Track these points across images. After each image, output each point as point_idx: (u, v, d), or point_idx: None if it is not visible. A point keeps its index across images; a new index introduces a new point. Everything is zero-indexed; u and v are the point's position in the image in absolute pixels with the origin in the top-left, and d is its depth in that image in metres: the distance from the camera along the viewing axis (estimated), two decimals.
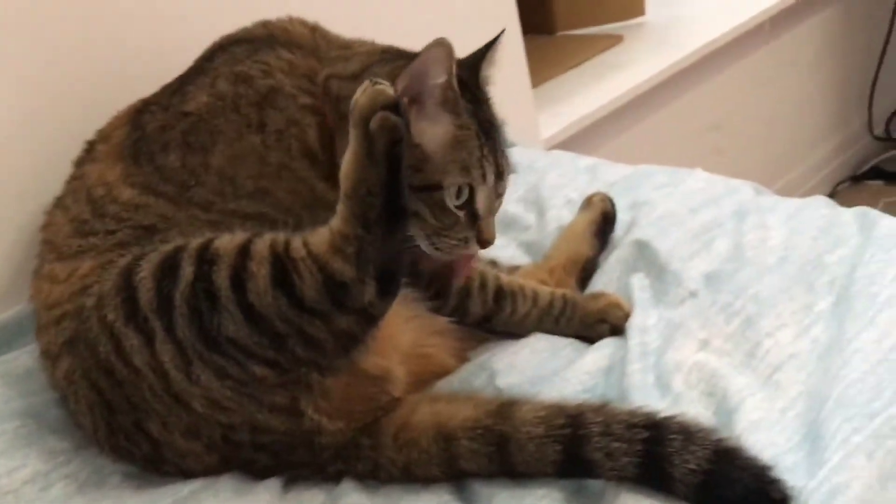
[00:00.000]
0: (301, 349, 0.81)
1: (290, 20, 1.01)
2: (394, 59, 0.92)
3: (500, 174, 0.91)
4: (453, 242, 0.88)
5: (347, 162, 0.79)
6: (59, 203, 0.99)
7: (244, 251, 0.81)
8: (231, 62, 0.95)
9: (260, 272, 0.80)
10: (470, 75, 0.92)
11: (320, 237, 0.80)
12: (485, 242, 0.91)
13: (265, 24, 1.00)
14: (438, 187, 0.86)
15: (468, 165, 0.88)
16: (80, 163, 1.00)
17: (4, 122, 1.10)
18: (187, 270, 0.81)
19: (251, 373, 0.81)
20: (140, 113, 0.98)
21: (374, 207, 0.78)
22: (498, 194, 0.92)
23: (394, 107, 0.77)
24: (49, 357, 0.93)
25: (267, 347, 0.81)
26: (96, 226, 0.93)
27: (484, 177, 0.89)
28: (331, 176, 0.89)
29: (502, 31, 0.94)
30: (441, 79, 0.85)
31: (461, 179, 0.87)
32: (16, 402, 0.97)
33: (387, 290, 0.81)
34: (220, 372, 0.81)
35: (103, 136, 1.00)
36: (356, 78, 0.89)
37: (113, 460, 0.90)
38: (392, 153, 0.77)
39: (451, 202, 0.87)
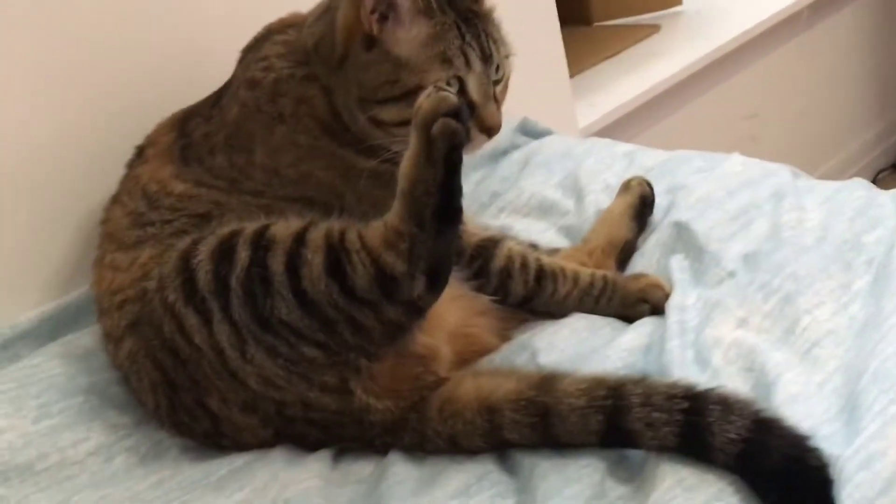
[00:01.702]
0: (350, 335, 0.85)
1: (290, 13, 1.05)
2: None
3: (488, 58, 0.94)
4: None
5: (407, 161, 0.82)
6: (116, 199, 1.05)
7: (300, 239, 0.85)
8: (244, 70, 1.02)
9: (314, 260, 0.83)
10: None
11: (375, 231, 0.84)
12: (488, 130, 0.95)
13: (267, 24, 1.05)
14: (420, 88, 0.88)
15: (449, 57, 0.92)
16: (131, 165, 1.07)
17: (63, 125, 1.16)
18: (243, 255, 0.85)
19: (302, 353, 0.85)
20: (184, 122, 1.05)
21: (428, 207, 0.81)
22: (494, 80, 0.96)
23: (456, 113, 0.80)
24: (112, 339, 0.98)
25: (317, 331, 0.84)
26: (153, 217, 0.98)
27: (468, 63, 0.93)
28: (352, 141, 0.96)
29: None
30: None
31: (443, 73, 0.92)
32: (79, 380, 1.01)
33: (435, 286, 0.84)
34: (273, 351, 0.85)
35: (151, 141, 1.07)
36: None
37: (172, 435, 0.94)
38: (451, 157, 0.80)
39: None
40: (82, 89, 1.17)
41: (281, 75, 0.98)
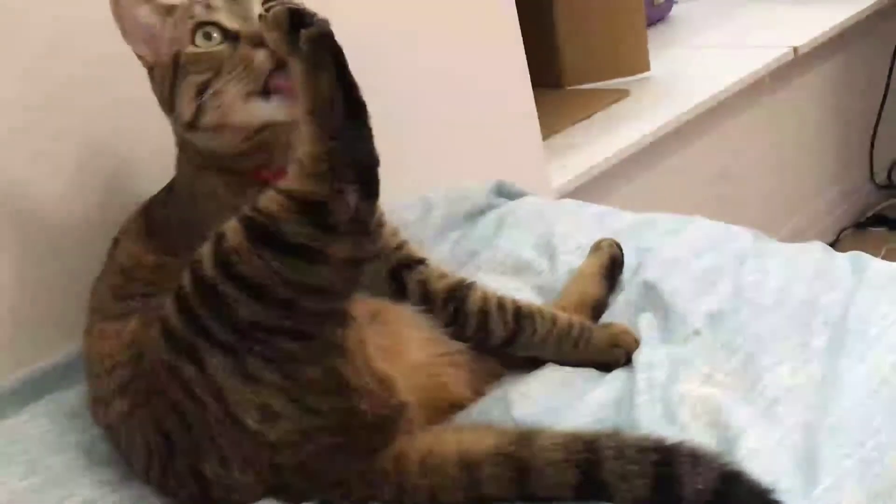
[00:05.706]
0: (315, 303, 0.82)
1: None
2: None
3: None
4: (239, 68, 0.91)
5: (298, 83, 0.81)
6: (100, 278, 1.09)
7: (219, 237, 0.83)
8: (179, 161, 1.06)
9: (237, 240, 0.81)
10: None
11: (290, 173, 0.82)
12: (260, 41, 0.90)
13: None
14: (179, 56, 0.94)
15: (194, 13, 0.95)
16: (109, 254, 1.11)
17: (60, 192, 1.22)
18: (186, 283, 0.85)
19: (283, 350, 0.82)
20: (148, 208, 1.11)
21: (336, 111, 0.79)
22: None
23: (300, 15, 0.80)
24: (102, 401, 0.99)
25: (283, 318, 0.81)
26: (131, 289, 1.02)
27: (209, 6, 0.94)
28: None
29: None
30: None
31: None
32: (67, 437, 1.03)
33: (370, 189, 0.81)
34: (262, 358, 0.83)
35: (123, 230, 1.11)
36: None
37: (158, 496, 0.95)
38: (331, 48, 0.79)
39: (205, 45, 0.93)
40: (85, 153, 1.22)
41: (188, 178, 1.04)
